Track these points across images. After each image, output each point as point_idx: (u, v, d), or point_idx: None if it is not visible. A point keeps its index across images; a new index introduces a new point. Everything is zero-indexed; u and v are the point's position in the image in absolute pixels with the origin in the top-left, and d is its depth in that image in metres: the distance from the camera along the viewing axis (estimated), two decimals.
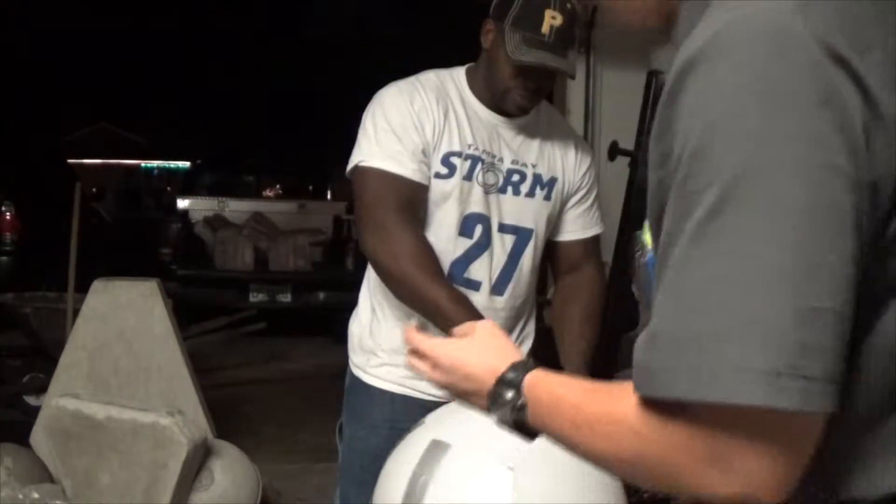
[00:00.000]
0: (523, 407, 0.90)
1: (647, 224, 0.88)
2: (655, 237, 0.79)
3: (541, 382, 0.90)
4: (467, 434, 1.55)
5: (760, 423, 0.66)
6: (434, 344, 1.07)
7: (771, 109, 0.67)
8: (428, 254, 1.78)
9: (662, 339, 0.69)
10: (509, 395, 0.92)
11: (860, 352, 0.70)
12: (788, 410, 0.64)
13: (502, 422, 0.94)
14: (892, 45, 0.71)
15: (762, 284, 0.65)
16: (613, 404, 0.77)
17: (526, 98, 1.83)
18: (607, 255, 3.17)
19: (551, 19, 1.73)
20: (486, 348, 1.01)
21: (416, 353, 1.09)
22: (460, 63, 1.96)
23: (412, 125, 1.81)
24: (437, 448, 1.53)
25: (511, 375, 0.93)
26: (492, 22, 1.83)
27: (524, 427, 0.91)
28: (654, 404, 0.71)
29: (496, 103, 1.87)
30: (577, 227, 2.01)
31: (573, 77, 1.84)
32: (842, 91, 0.67)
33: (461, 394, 1.03)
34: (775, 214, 0.66)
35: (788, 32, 0.68)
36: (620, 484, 1.53)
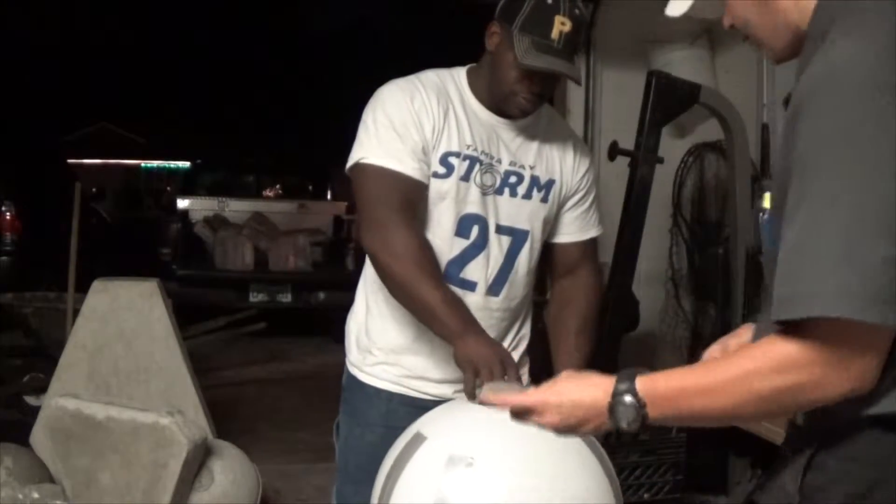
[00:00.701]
0: (644, 405, 1.10)
1: (768, 194, 1.14)
2: (775, 205, 1.11)
3: (653, 381, 1.11)
4: (446, 428, 1.58)
5: (869, 335, 1.00)
6: (530, 394, 1.22)
7: (868, 124, 1.00)
8: (427, 254, 1.78)
9: (804, 276, 1.00)
10: (628, 399, 1.11)
11: None
12: (890, 327, 0.99)
13: (630, 426, 1.11)
14: None
15: (850, 239, 0.98)
16: (739, 364, 1.07)
17: (530, 102, 1.83)
18: (607, 256, 3.17)
19: (561, 25, 1.74)
20: (575, 380, 1.20)
21: (517, 412, 1.22)
22: (460, 63, 1.96)
23: (413, 123, 1.81)
24: (416, 440, 1.56)
25: (624, 385, 1.12)
26: (497, 24, 1.82)
27: (645, 423, 1.11)
28: (792, 338, 1.02)
29: (499, 105, 1.87)
30: (574, 228, 2.01)
31: (579, 83, 1.84)
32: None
33: (575, 424, 1.18)
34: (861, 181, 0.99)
35: (871, 79, 1.01)
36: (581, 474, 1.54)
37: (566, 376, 1.21)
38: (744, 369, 1.06)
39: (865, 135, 1.00)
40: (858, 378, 1.01)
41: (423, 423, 1.62)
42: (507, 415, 1.27)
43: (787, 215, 1.03)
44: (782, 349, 1.03)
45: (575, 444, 1.54)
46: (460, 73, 1.93)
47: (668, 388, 1.11)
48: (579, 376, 1.20)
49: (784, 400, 1.05)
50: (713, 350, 1.42)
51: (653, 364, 3.67)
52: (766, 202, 1.32)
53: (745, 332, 1.41)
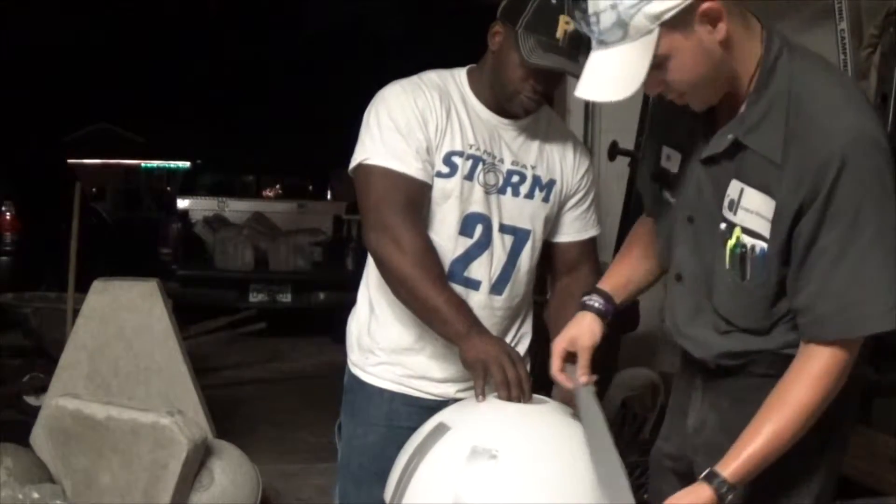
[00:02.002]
0: (738, 485, 1.37)
1: (738, 229, 1.42)
2: (773, 238, 1.37)
3: (736, 463, 1.36)
4: (470, 420, 1.57)
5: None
6: None
7: (882, 179, 1.31)
8: (431, 256, 1.79)
9: (860, 303, 1.33)
10: (731, 496, 1.36)
11: None
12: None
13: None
14: None
15: (888, 271, 1.31)
16: (788, 399, 1.37)
17: (533, 101, 1.83)
18: (607, 256, 3.17)
19: (565, 24, 1.74)
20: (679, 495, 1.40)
21: None
22: (460, 63, 1.96)
23: (416, 124, 1.81)
24: (439, 430, 1.56)
25: (723, 488, 1.36)
26: (501, 25, 1.83)
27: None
28: (832, 347, 1.35)
29: (503, 105, 1.87)
30: (574, 228, 2.01)
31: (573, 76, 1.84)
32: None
33: None
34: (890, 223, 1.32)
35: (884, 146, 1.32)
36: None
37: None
38: (800, 401, 1.36)
39: (892, 186, 1.31)
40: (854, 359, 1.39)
41: (447, 414, 1.62)
42: (532, 410, 1.49)
43: (829, 254, 1.32)
44: (828, 360, 1.36)
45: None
46: (461, 74, 1.93)
47: (749, 461, 1.36)
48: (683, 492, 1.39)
49: (833, 394, 1.37)
50: (560, 343, 1.62)
51: (653, 364, 3.68)
52: (734, 237, 1.45)
53: (584, 320, 1.63)
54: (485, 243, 1.88)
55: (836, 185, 1.29)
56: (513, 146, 1.91)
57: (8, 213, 7.97)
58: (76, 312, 3.80)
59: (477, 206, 1.87)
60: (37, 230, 7.90)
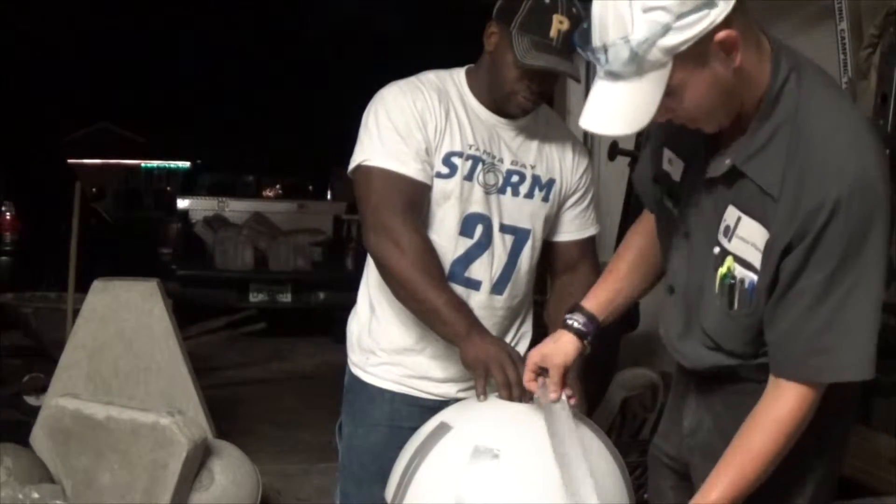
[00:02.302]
0: None
1: (730, 258, 1.41)
2: (763, 271, 1.36)
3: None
4: (471, 419, 1.57)
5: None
6: None
7: (871, 228, 1.29)
8: (431, 257, 1.79)
9: (839, 350, 1.32)
10: None
11: None
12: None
13: None
14: None
15: (865, 322, 1.32)
16: (752, 446, 1.37)
17: (530, 101, 1.83)
18: (607, 256, 3.17)
19: (559, 24, 1.75)
20: None
21: None
22: (460, 63, 1.96)
23: (415, 124, 1.82)
24: (440, 429, 1.56)
25: None
26: (496, 25, 1.83)
27: None
28: (796, 394, 1.35)
29: (500, 105, 1.87)
30: (573, 227, 2.01)
31: (580, 81, 1.85)
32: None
33: None
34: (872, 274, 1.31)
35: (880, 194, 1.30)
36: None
37: None
38: (765, 448, 1.36)
39: (881, 236, 1.30)
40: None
41: (448, 414, 1.62)
42: (533, 410, 1.50)
43: (808, 296, 1.31)
44: (795, 401, 1.35)
45: (596, 444, 1.54)
46: (459, 74, 1.93)
47: (727, 497, 1.37)
48: None
49: (797, 434, 1.37)
50: (532, 357, 1.61)
51: (653, 364, 3.68)
52: (726, 266, 1.43)
53: (561, 339, 1.61)
54: (485, 243, 1.89)
55: (825, 230, 1.28)
56: (512, 146, 1.91)
57: (8, 213, 7.98)
58: (76, 312, 3.80)
59: (477, 207, 1.87)
60: (37, 230, 7.91)
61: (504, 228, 1.90)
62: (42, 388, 4.23)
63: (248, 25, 16.14)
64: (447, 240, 1.86)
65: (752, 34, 1.31)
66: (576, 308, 1.66)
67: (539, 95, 1.84)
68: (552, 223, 1.99)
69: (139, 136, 24.56)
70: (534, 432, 1.49)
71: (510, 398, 1.61)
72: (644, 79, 1.26)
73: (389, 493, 1.59)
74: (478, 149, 1.87)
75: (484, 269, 1.89)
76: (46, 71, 17.11)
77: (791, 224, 1.31)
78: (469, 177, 1.86)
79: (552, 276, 2.08)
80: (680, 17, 1.22)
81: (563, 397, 1.56)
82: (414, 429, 1.66)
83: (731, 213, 1.41)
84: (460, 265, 1.88)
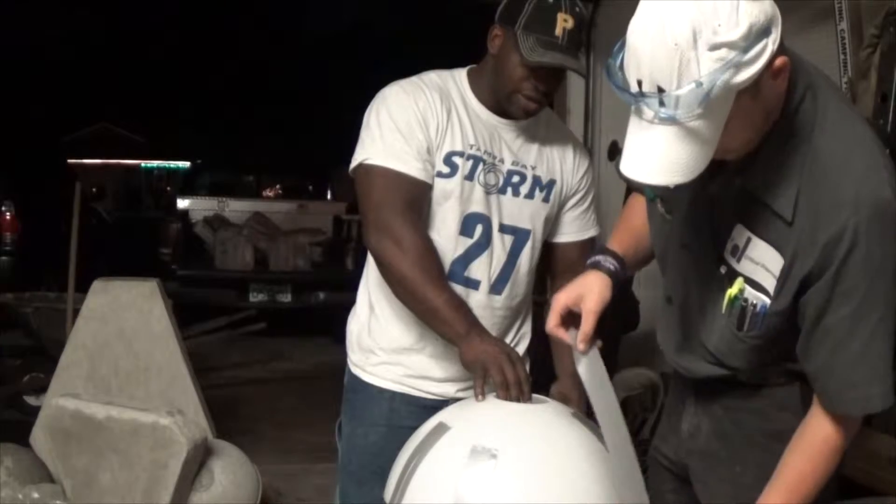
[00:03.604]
0: None
1: (740, 280, 1.36)
2: (776, 296, 1.32)
3: None
4: (470, 419, 1.57)
5: None
6: None
7: (894, 249, 1.25)
8: (432, 256, 1.79)
9: (865, 382, 1.30)
10: None
11: None
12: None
13: None
14: None
15: (891, 351, 1.28)
16: (800, 470, 1.35)
17: (534, 101, 1.83)
18: None
19: (563, 22, 1.75)
20: None
21: None
22: (461, 64, 1.96)
23: (417, 124, 1.82)
24: (438, 429, 1.56)
25: None
26: (499, 27, 1.83)
27: None
28: (833, 425, 1.33)
29: (504, 106, 1.87)
30: (574, 229, 2.01)
31: (585, 77, 1.85)
32: None
33: None
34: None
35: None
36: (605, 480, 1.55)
37: None
38: (819, 464, 1.35)
39: None
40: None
41: (447, 414, 1.62)
42: (532, 410, 1.44)
43: (837, 332, 1.28)
44: (830, 431, 1.34)
45: (597, 444, 1.54)
46: (461, 74, 1.93)
47: None
48: None
49: (835, 465, 1.37)
50: (562, 299, 1.48)
51: (653, 364, 3.68)
52: (736, 288, 1.38)
53: (595, 280, 1.50)
54: (484, 243, 1.89)
55: (847, 260, 1.24)
56: (513, 146, 1.91)
57: (8, 213, 7.98)
58: (76, 312, 3.80)
59: (477, 207, 1.87)
60: (37, 230, 7.91)
61: (503, 228, 1.90)
62: (42, 388, 4.22)
63: (248, 25, 16.13)
64: (447, 239, 1.87)
65: (783, 44, 1.22)
66: (604, 250, 1.55)
67: (544, 96, 1.84)
68: (552, 224, 1.99)
69: (139, 136, 24.57)
70: (532, 432, 1.49)
71: (508, 398, 1.61)
72: (704, 120, 1.15)
73: (388, 492, 1.59)
74: (479, 149, 1.87)
75: (483, 269, 1.89)
76: (46, 71, 17.11)
77: (810, 253, 1.26)
78: (470, 176, 1.86)
79: (552, 277, 2.08)
80: (746, 50, 1.14)
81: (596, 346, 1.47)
82: (413, 428, 1.66)
83: (740, 233, 1.36)
84: (460, 265, 1.88)
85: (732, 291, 1.38)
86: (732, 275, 1.37)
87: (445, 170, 1.85)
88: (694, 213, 1.42)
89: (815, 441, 1.35)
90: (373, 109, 1.86)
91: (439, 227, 1.87)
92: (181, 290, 6.76)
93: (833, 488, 1.53)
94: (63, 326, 4.18)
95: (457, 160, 1.85)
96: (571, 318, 1.48)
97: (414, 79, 1.90)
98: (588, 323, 1.45)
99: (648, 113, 1.17)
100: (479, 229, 1.88)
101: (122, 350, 3.62)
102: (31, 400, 4.77)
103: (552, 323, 1.47)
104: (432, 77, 1.91)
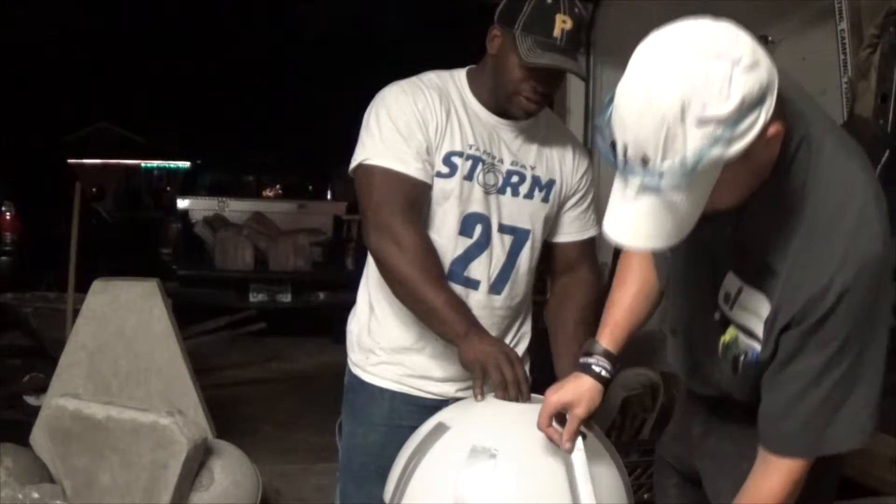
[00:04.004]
0: None
1: (732, 328, 1.37)
2: (765, 344, 1.32)
3: None
4: (469, 419, 1.58)
5: None
6: None
7: (877, 304, 1.25)
8: (431, 256, 1.79)
9: (807, 426, 1.29)
10: None
11: None
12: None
13: None
14: None
15: (863, 396, 1.28)
16: None
17: (534, 102, 1.83)
18: (607, 256, 3.17)
19: (562, 23, 1.75)
20: None
21: None
22: (460, 63, 1.96)
23: (417, 124, 1.82)
24: (438, 429, 1.56)
25: None
26: (499, 28, 1.83)
27: None
28: (788, 467, 1.32)
29: (504, 107, 1.87)
30: (573, 228, 2.01)
31: (584, 78, 1.85)
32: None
33: None
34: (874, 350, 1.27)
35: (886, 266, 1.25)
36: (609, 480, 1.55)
37: None
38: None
39: (885, 315, 1.26)
40: None
41: (446, 414, 1.63)
42: (531, 410, 1.45)
43: (803, 378, 1.27)
44: (787, 474, 1.32)
45: (596, 445, 1.55)
46: (460, 75, 1.93)
47: None
48: None
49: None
50: (553, 403, 1.47)
51: (653, 364, 3.67)
52: (729, 336, 1.39)
53: (585, 387, 1.49)
54: (484, 243, 1.89)
55: (828, 317, 1.23)
56: (512, 146, 1.91)
57: (8, 213, 7.98)
58: (76, 312, 3.79)
59: (476, 206, 1.87)
60: (37, 230, 7.91)
61: (503, 228, 1.90)
62: (42, 388, 4.22)
63: (248, 25, 16.14)
64: (447, 239, 1.87)
65: (781, 105, 1.18)
66: (597, 349, 1.53)
67: (543, 97, 1.84)
68: (552, 224, 1.99)
69: (139, 136, 24.57)
70: (532, 432, 1.49)
71: (508, 398, 1.61)
72: (689, 191, 1.13)
73: (388, 492, 1.59)
74: (478, 149, 1.87)
75: (482, 269, 1.89)
76: (46, 71, 17.11)
77: (792, 305, 1.25)
78: (469, 177, 1.86)
79: (552, 277, 2.08)
80: (737, 124, 1.10)
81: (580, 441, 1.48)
82: (413, 428, 1.66)
83: (732, 282, 1.35)
84: (459, 264, 1.88)
85: (726, 339, 1.39)
86: (725, 322, 1.38)
87: (445, 170, 1.85)
88: (692, 254, 1.41)
89: (774, 488, 1.33)
90: (372, 110, 1.86)
91: (439, 227, 1.87)
92: (181, 290, 6.77)
93: (833, 488, 1.54)
94: (63, 326, 4.18)
95: (456, 160, 1.85)
96: (559, 414, 1.50)
97: (413, 79, 1.90)
98: (573, 426, 1.46)
99: (633, 181, 1.15)
100: (478, 229, 1.88)
101: (122, 350, 3.62)
102: (31, 400, 4.77)
103: (544, 423, 1.48)
104: (431, 77, 1.91)
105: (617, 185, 1.20)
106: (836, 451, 1.31)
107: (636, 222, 1.17)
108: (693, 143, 1.09)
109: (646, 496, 2.87)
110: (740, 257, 1.34)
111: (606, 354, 1.52)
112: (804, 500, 1.45)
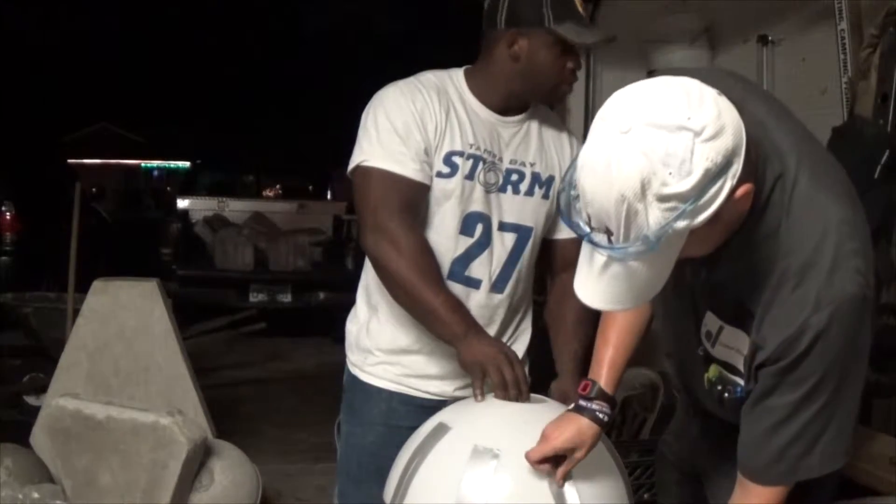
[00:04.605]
0: None
1: (715, 366, 1.40)
2: (747, 380, 1.33)
3: None
4: (470, 420, 1.58)
5: None
6: None
7: (854, 341, 1.24)
8: (429, 258, 1.79)
9: (779, 458, 1.29)
10: None
11: None
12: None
13: None
14: None
15: (838, 428, 1.28)
16: None
17: (573, 81, 1.88)
18: None
19: (580, 4, 1.80)
20: None
21: None
22: (460, 63, 1.96)
23: (415, 125, 1.81)
24: (439, 430, 1.56)
25: None
26: (519, 32, 1.81)
27: None
28: (768, 496, 1.32)
29: (547, 100, 1.94)
30: None
31: (613, 40, 1.88)
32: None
33: None
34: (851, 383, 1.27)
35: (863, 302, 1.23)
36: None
37: None
38: None
39: (863, 349, 1.25)
40: None
41: (447, 414, 1.62)
42: (532, 410, 1.45)
43: (776, 414, 1.27)
44: (768, 498, 1.32)
45: (596, 445, 1.55)
46: (458, 74, 1.93)
47: None
48: None
49: None
50: (553, 443, 1.45)
51: (653, 364, 3.67)
52: (712, 373, 1.42)
53: (587, 433, 1.48)
54: (485, 242, 1.89)
55: (803, 358, 1.23)
56: (511, 144, 1.91)
57: (8, 213, 7.98)
58: (76, 312, 3.80)
59: (477, 206, 1.87)
60: (37, 230, 7.91)
61: (503, 227, 1.90)
62: (42, 388, 4.23)
63: (247, 25, 16.15)
64: (447, 239, 1.86)
65: (751, 161, 1.15)
66: (596, 392, 1.53)
67: (575, 73, 1.89)
68: (552, 221, 1.99)
69: (139, 136, 24.58)
70: (533, 431, 1.49)
71: (507, 398, 1.61)
72: (656, 257, 1.12)
73: (388, 493, 1.59)
74: (478, 148, 1.87)
75: (483, 268, 1.89)
76: (46, 71, 17.12)
77: (768, 343, 1.25)
78: (470, 176, 1.86)
79: (551, 274, 2.07)
80: (700, 197, 1.08)
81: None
82: (411, 428, 1.66)
83: (712, 321, 1.36)
84: (460, 264, 1.88)
85: (709, 375, 1.40)
86: (708, 359, 1.39)
87: (445, 170, 1.84)
88: (673, 291, 1.39)
89: None
90: (370, 111, 1.86)
91: (439, 226, 1.86)
92: (181, 290, 6.77)
93: (833, 488, 1.54)
94: (63, 326, 4.18)
95: (457, 160, 1.85)
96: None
97: (411, 79, 1.90)
98: (570, 468, 1.47)
99: (598, 254, 1.16)
100: (479, 228, 1.88)
101: (122, 350, 3.62)
102: (31, 400, 4.77)
103: (534, 459, 1.46)
104: (429, 77, 1.91)
105: (585, 249, 1.20)
106: (810, 477, 1.30)
107: (605, 286, 1.18)
108: (655, 219, 1.08)
109: (646, 496, 2.87)
110: (717, 299, 1.34)
111: (606, 398, 1.53)
112: (804, 501, 1.45)
